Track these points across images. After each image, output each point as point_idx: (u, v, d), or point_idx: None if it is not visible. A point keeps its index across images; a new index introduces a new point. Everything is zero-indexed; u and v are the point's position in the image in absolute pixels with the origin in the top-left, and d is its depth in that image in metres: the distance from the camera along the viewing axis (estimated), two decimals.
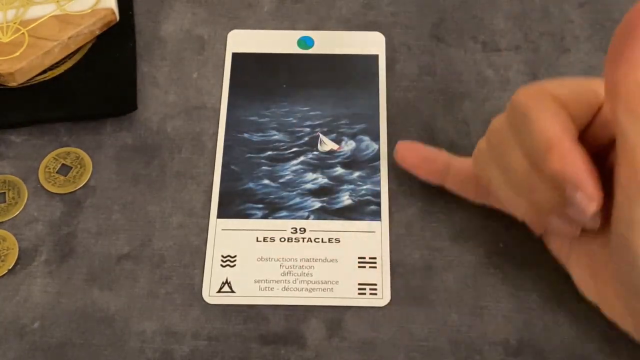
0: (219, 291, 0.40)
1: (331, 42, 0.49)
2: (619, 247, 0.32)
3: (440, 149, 0.43)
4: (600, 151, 0.35)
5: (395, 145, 0.44)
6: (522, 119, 0.34)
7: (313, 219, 0.42)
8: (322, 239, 0.42)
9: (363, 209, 0.43)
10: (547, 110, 0.34)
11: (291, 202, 0.43)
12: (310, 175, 0.44)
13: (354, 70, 0.48)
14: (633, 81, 0.30)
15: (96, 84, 0.46)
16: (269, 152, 0.45)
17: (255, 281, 0.41)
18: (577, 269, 0.37)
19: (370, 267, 0.41)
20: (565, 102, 0.34)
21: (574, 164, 0.32)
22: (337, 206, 0.43)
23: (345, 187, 0.43)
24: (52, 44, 0.46)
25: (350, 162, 0.44)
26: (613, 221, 0.32)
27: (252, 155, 0.45)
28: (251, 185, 0.44)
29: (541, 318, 0.39)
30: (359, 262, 0.41)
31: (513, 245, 0.41)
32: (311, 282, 0.41)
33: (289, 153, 0.45)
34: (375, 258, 0.41)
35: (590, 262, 0.37)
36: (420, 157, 0.43)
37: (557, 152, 0.33)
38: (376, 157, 0.44)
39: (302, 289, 0.40)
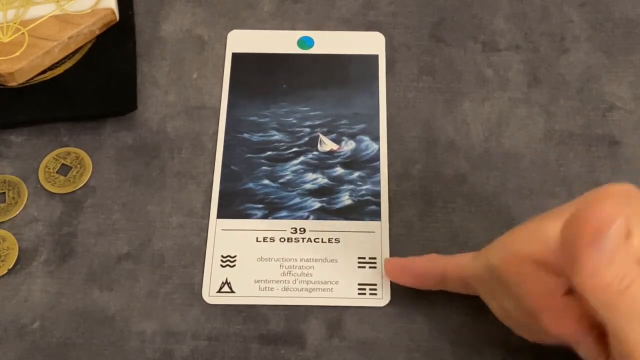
0: (219, 291, 0.40)
1: (331, 42, 0.49)
2: None
3: (430, 255, 0.39)
4: None
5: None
6: (506, 284, 0.34)
7: (313, 219, 0.42)
8: (322, 239, 0.42)
9: (363, 209, 0.43)
10: (528, 276, 0.33)
11: (291, 202, 0.43)
12: (310, 175, 0.44)
13: (354, 70, 0.48)
14: (598, 284, 0.30)
15: (96, 84, 0.46)
16: (269, 152, 0.45)
17: (255, 281, 0.41)
18: None
19: (370, 267, 0.41)
20: (544, 260, 0.33)
21: (569, 326, 0.33)
22: (337, 206, 0.43)
23: (345, 187, 0.43)
24: (52, 44, 0.46)
25: (350, 162, 0.44)
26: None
27: (252, 155, 0.45)
28: (251, 185, 0.44)
29: None
30: (358, 262, 0.41)
31: None
32: (311, 282, 0.41)
33: (289, 153, 0.45)
34: (375, 258, 0.41)
35: None
36: (412, 276, 0.40)
37: (548, 316, 0.33)
38: (376, 157, 0.44)
39: (302, 289, 0.40)
